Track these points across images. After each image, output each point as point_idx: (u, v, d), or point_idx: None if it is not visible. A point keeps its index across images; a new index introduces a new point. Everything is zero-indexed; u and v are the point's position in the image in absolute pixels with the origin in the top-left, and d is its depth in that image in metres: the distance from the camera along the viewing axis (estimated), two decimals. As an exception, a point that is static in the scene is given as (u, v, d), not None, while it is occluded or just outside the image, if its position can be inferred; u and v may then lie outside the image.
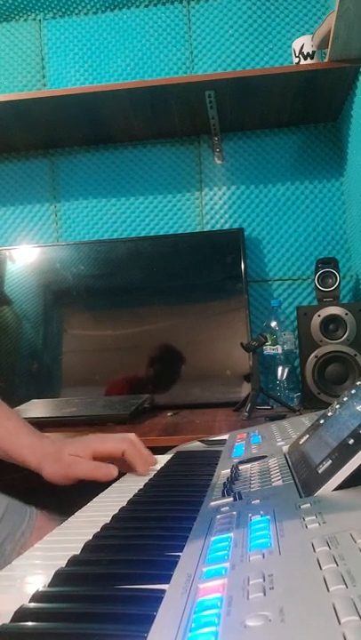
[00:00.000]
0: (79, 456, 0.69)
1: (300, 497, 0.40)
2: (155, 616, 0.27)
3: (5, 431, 0.75)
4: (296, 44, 1.38)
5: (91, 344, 1.51)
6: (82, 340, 1.52)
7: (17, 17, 1.64)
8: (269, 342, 1.33)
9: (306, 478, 0.43)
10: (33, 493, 0.82)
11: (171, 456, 0.75)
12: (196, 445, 0.82)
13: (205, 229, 1.58)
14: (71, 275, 1.52)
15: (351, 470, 0.39)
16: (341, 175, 1.55)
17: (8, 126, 1.49)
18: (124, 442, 0.70)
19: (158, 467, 0.69)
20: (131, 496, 0.54)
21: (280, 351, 1.36)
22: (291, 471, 0.49)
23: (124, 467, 0.70)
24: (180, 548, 0.36)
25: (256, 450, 0.65)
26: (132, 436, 0.72)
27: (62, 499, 0.73)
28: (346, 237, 1.54)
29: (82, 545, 0.40)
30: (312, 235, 1.55)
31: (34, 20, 1.64)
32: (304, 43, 1.36)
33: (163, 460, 0.73)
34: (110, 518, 0.47)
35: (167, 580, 0.31)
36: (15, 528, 0.73)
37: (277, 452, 0.60)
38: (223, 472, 0.57)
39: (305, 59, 1.36)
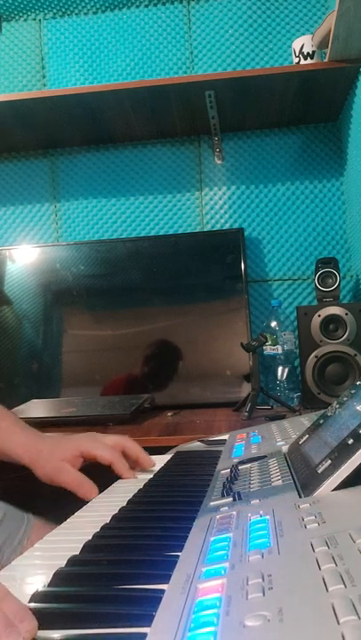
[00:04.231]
0: (69, 460, 0.70)
1: (300, 497, 0.40)
2: (154, 616, 0.27)
3: None
4: (296, 44, 1.38)
5: (91, 344, 1.51)
6: (82, 340, 1.52)
7: (17, 17, 1.64)
8: (269, 342, 1.33)
9: (305, 478, 0.43)
10: (30, 498, 0.82)
11: (171, 456, 0.75)
12: (196, 445, 0.82)
13: (205, 229, 1.58)
14: (71, 275, 1.52)
15: (351, 470, 0.39)
16: (341, 175, 1.55)
17: (8, 126, 1.49)
18: (115, 451, 0.69)
19: (158, 466, 0.69)
20: (131, 496, 0.54)
21: (280, 351, 1.36)
22: (290, 471, 0.49)
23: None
24: (180, 548, 0.36)
25: (256, 450, 0.65)
26: (126, 441, 0.72)
27: (60, 504, 0.74)
28: (346, 237, 1.54)
29: (82, 545, 0.40)
30: (312, 235, 1.55)
31: (34, 19, 1.64)
32: (304, 43, 1.36)
33: (163, 459, 0.73)
34: (110, 518, 0.47)
35: (167, 579, 0.31)
36: (12, 535, 0.74)
37: (277, 452, 0.60)
38: (223, 472, 0.57)
39: (305, 59, 1.36)
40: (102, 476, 0.67)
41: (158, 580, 0.32)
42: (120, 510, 0.49)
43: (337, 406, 0.55)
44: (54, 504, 0.77)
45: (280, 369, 1.38)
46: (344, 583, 0.24)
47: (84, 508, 0.55)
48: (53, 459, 0.70)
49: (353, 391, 0.55)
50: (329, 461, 0.41)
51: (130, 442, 0.72)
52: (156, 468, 0.69)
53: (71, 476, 0.68)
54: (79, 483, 0.67)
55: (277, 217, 1.56)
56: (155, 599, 0.29)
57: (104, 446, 0.71)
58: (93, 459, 0.70)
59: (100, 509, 0.52)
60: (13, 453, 0.74)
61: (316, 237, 1.55)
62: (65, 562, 0.37)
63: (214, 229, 1.58)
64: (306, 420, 0.76)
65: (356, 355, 1.20)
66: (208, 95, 1.37)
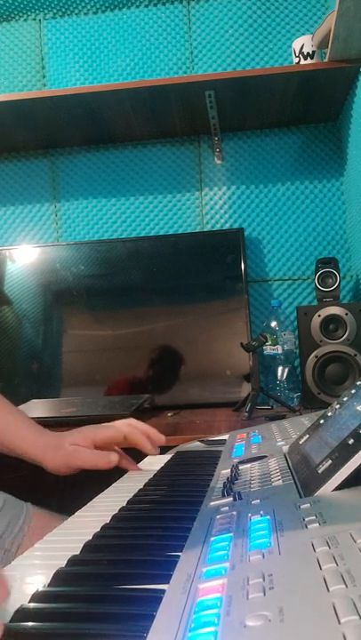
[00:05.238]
0: (80, 445, 0.69)
1: (300, 497, 0.40)
2: (154, 616, 0.27)
3: (7, 425, 0.76)
4: (296, 44, 1.38)
5: (91, 344, 1.51)
6: (82, 340, 1.52)
7: (17, 17, 1.64)
8: (269, 342, 1.33)
9: (306, 478, 0.43)
10: (30, 493, 0.83)
11: (171, 456, 0.75)
12: (196, 445, 0.82)
13: (205, 229, 1.58)
14: (71, 275, 1.52)
15: (351, 470, 0.39)
16: (341, 175, 1.55)
17: (8, 126, 1.49)
18: (124, 426, 0.71)
19: (158, 467, 0.69)
20: (131, 496, 0.54)
21: (280, 351, 1.36)
22: (291, 471, 0.49)
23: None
24: (180, 548, 0.36)
25: (256, 450, 0.65)
26: (131, 420, 0.73)
27: (59, 498, 0.74)
28: (346, 237, 1.54)
29: (82, 545, 0.40)
30: (312, 235, 1.55)
31: (34, 19, 1.64)
32: (304, 43, 1.36)
33: (163, 459, 0.73)
34: (110, 518, 0.47)
35: (167, 579, 0.31)
36: (13, 523, 0.74)
37: (277, 452, 0.60)
38: (223, 472, 0.57)
39: (305, 59, 1.36)
40: (102, 475, 0.67)
41: (159, 579, 0.32)
42: (120, 510, 0.49)
43: (337, 406, 0.55)
44: (54, 497, 0.77)
45: (280, 369, 1.38)
46: (345, 583, 0.24)
47: (84, 507, 0.55)
48: (63, 446, 0.70)
49: (353, 391, 0.55)
50: (330, 461, 0.41)
51: (136, 421, 0.72)
52: (157, 467, 0.69)
53: (87, 454, 0.68)
54: (98, 456, 0.67)
55: (277, 217, 1.56)
56: (155, 599, 0.29)
57: (113, 426, 0.71)
58: (107, 442, 0.70)
59: (100, 509, 0.52)
60: (20, 449, 0.74)
61: (316, 237, 1.55)
62: (65, 562, 0.37)
63: (214, 229, 1.58)
64: (306, 420, 0.76)
65: (356, 355, 1.20)
66: (208, 95, 1.37)
